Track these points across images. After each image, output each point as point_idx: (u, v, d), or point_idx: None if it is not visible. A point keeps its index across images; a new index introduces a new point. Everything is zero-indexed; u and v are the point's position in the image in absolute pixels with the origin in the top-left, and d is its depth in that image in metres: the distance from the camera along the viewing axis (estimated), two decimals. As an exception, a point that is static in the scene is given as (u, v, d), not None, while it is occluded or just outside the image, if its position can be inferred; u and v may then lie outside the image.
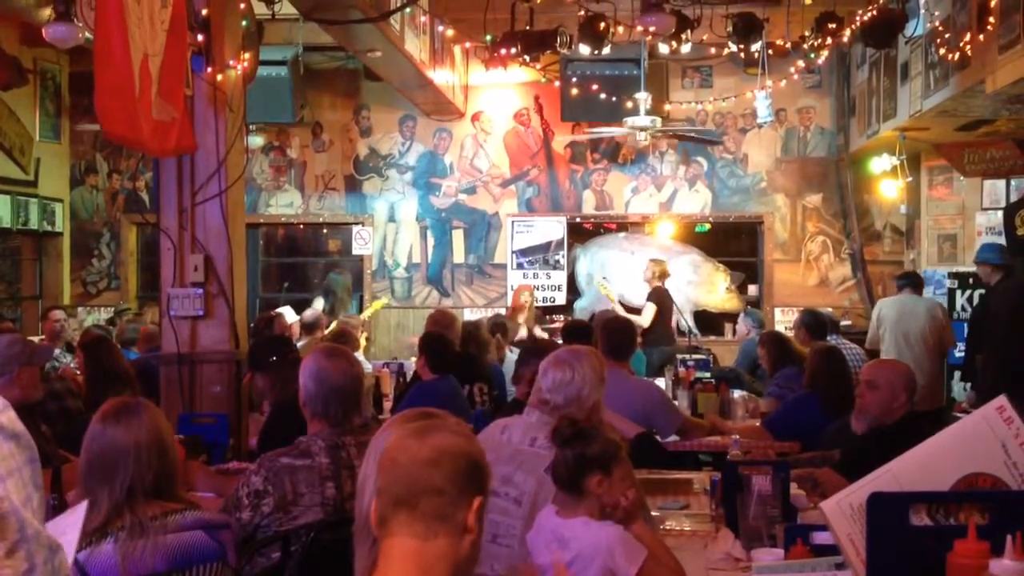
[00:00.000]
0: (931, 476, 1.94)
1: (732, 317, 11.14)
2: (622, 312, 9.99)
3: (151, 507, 2.70)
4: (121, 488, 2.69)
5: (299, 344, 8.38)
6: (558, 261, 11.41)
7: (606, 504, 2.74)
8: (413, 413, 2.00)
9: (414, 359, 6.65)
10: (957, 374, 8.98)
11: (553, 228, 11.42)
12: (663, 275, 10.06)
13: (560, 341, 6.99)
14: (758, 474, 3.29)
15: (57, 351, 7.97)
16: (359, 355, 6.66)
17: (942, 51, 7.38)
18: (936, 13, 7.66)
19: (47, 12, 6.58)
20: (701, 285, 11.25)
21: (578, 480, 2.76)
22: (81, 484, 2.78)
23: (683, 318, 10.41)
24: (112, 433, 2.73)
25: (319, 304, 10.48)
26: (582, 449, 2.77)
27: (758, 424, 5.92)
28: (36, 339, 8.11)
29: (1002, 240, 8.51)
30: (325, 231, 12.50)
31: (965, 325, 8.45)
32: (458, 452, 1.87)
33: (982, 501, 1.90)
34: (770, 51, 8.65)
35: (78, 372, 6.37)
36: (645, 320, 9.55)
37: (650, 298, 9.91)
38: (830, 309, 10.03)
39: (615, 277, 11.34)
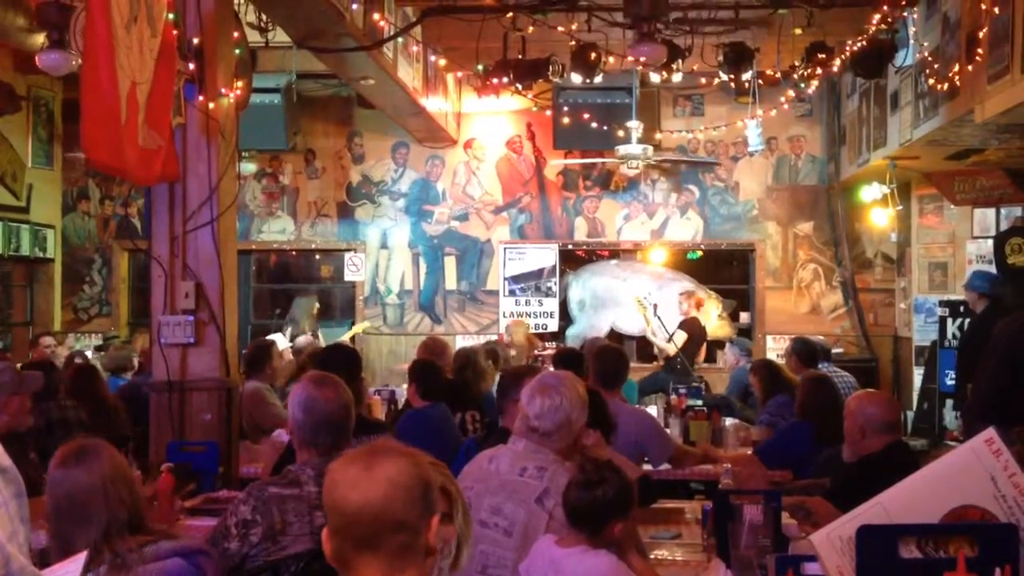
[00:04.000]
0: (920, 508, 1.94)
1: (724, 344, 11.14)
2: (653, 337, 10.28)
3: (127, 542, 2.70)
4: (98, 528, 2.70)
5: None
6: (550, 288, 11.42)
7: (616, 542, 2.76)
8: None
9: (405, 386, 6.63)
10: (949, 402, 8.99)
11: (545, 255, 11.44)
12: (699, 305, 10.34)
13: (551, 368, 6.97)
14: (749, 503, 3.28)
15: (47, 378, 7.93)
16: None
17: (931, 81, 7.44)
18: (925, 43, 7.72)
19: (41, 39, 6.59)
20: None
21: (602, 524, 2.80)
22: (51, 530, 2.77)
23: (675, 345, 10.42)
24: (76, 475, 2.74)
25: (281, 340, 9.51)
26: (608, 495, 2.81)
27: (750, 452, 5.91)
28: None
29: (992, 268, 8.54)
30: (317, 257, 12.50)
31: (955, 354, 8.45)
32: (409, 478, 1.83)
33: (971, 534, 1.90)
34: (761, 80, 8.72)
35: None
36: (674, 348, 9.81)
37: (681, 326, 10.10)
38: (821, 337, 10.04)
39: (607, 304, 11.36)
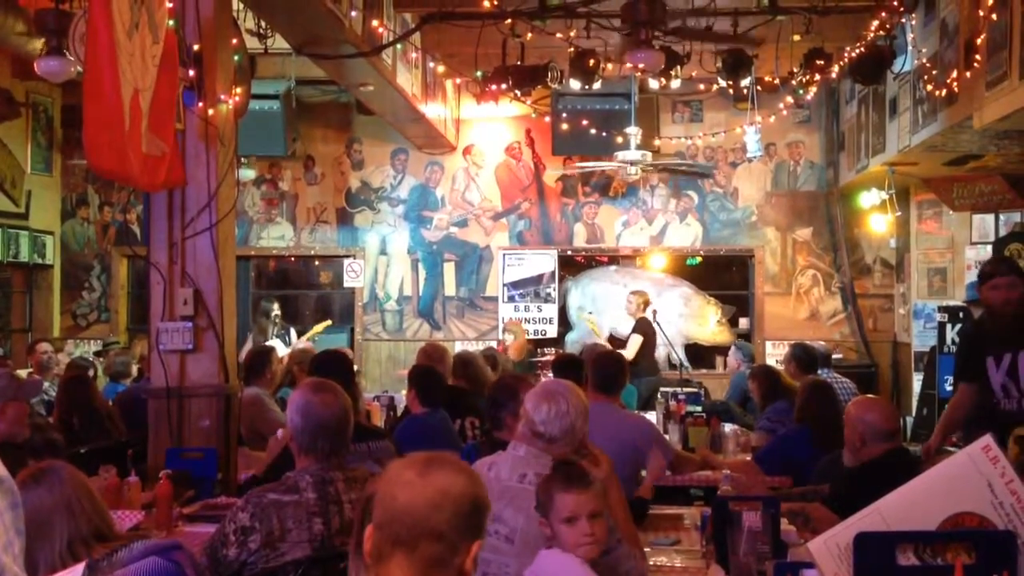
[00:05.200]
0: (918, 515, 1.94)
1: (723, 350, 11.13)
2: (608, 345, 9.98)
3: (95, 551, 2.73)
4: (61, 544, 2.76)
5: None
6: (549, 294, 11.42)
7: (557, 543, 2.79)
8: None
9: (405, 392, 6.62)
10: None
11: (544, 261, 11.44)
12: (645, 305, 10.08)
13: (550, 374, 6.97)
14: (748, 509, 3.28)
15: (46, 384, 7.94)
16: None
17: (930, 87, 7.44)
18: (923, 50, 7.73)
19: (39, 45, 6.60)
20: (692, 318, 11.26)
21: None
22: None
23: (674, 351, 10.42)
24: (37, 495, 2.78)
25: (280, 347, 9.37)
26: (538, 490, 2.87)
27: (749, 458, 5.91)
28: (24, 373, 8.08)
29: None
30: (316, 263, 12.51)
31: (953, 360, 8.43)
32: (461, 494, 1.83)
33: (969, 540, 1.90)
34: (759, 86, 8.73)
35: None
36: (630, 352, 9.52)
37: (635, 330, 9.92)
38: (823, 342, 10.03)
39: (607, 310, 11.36)
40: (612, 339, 11.05)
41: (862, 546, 1.88)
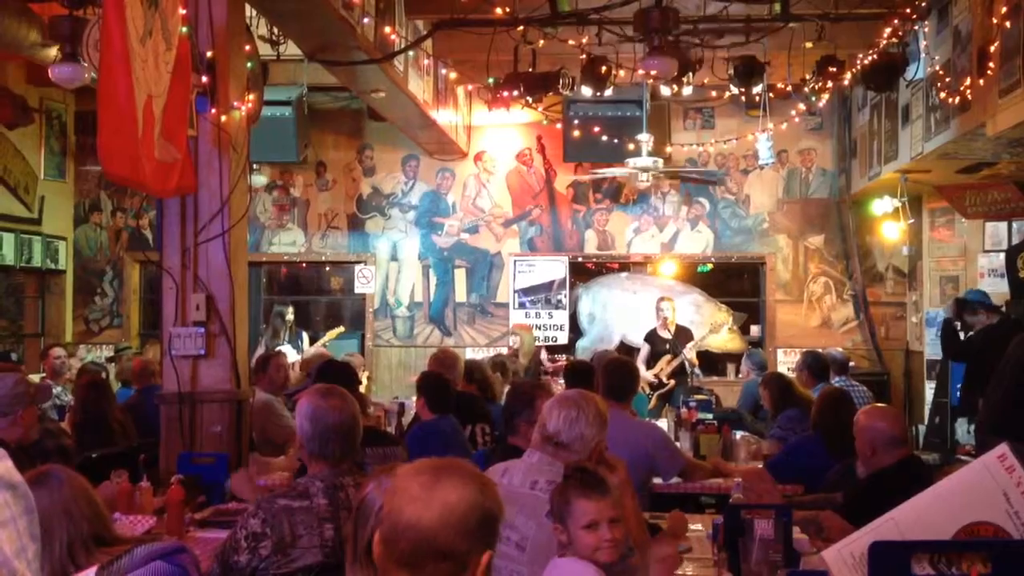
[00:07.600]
0: (933, 524, 1.93)
1: (734, 358, 11.12)
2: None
3: (95, 558, 2.72)
4: (61, 547, 2.74)
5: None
6: (560, 301, 11.41)
7: (570, 549, 2.79)
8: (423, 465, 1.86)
9: (415, 398, 6.62)
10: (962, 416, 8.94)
11: (555, 268, 11.44)
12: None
13: (561, 381, 6.97)
14: (760, 518, 3.27)
15: (59, 389, 7.96)
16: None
17: (943, 94, 7.43)
18: (936, 57, 7.71)
19: (53, 52, 6.63)
20: (703, 325, 11.22)
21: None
22: None
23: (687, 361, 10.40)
24: (37, 496, 2.75)
25: (291, 352, 9.59)
26: (553, 497, 2.87)
27: (761, 466, 5.89)
28: (37, 377, 8.11)
29: (1004, 282, 8.52)
30: (328, 269, 12.53)
31: (963, 367, 8.40)
32: (468, 508, 1.73)
33: (984, 550, 1.88)
34: (771, 93, 8.72)
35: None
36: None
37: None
38: (841, 349, 9.98)
39: (617, 316, 11.36)
40: (622, 347, 11.05)
41: (877, 555, 1.87)
